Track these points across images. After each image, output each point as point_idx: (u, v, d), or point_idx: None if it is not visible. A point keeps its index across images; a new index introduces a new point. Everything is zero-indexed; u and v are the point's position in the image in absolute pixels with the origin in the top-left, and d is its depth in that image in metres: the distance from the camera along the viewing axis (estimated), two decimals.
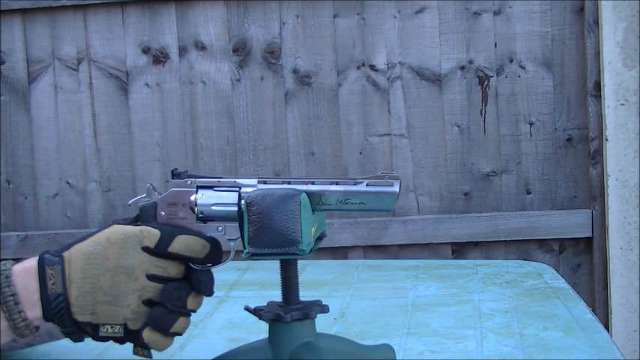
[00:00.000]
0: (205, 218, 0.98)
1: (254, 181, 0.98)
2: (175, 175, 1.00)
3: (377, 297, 1.45)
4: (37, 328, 0.95)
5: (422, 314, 1.33)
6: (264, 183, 0.97)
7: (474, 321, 1.28)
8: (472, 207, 2.71)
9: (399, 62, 2.71)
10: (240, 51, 2.75)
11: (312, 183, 0.96)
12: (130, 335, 0.96)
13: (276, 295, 1.01)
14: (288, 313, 0.98)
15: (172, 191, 0.99)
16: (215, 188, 0.98)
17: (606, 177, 2.60)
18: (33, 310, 0.94)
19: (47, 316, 0.94)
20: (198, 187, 0.99)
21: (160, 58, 2.78)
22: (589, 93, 2.63)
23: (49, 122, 2.83)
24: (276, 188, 0.96)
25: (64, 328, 0.95)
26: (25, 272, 0.95)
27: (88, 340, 0.97)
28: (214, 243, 0.97)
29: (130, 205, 1.04)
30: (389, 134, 2.73)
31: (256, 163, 2.77)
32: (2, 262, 0.95)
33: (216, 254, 0.97)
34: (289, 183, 0.97)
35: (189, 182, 0.99)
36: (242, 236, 0.95)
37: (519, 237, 2.68)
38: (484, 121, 2.70)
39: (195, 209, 0.98)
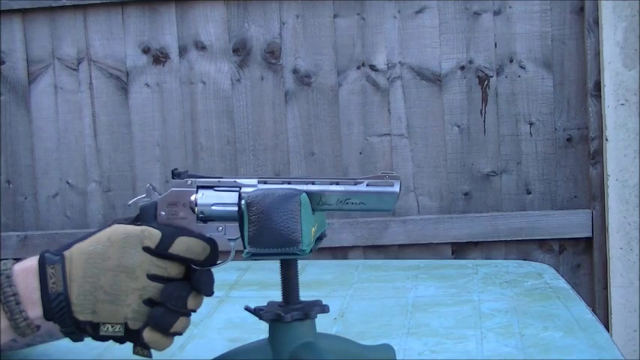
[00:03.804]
0: (205, 218, 0.98)
1: (254, 181, 0.98)
2: (175, 175, 1.00)
3: (377, 297, 1.45)
4: (38, 327, 0.95)
5: (422, 314, 1.33)
6: (265, 183, 0.97)
7: (474, 321, 1.28)
8: (472, 207, 2.71)
9: (399, 62, 2.71)
10: (240, 51, 2.75)
11: (313, 183, 0.96)
12: (130, 335, 0.96)
13: (276, 295, 1.01)
14: (288, 313, 0.98)
15: (172, 191, 0.99)
16: (215, 188, 0.98)
17: (606, 177, 2.60)
18: (34, 310, 0.94)
19: (48, 315, 0.94)
20: (199, 187, 0.99)
21: (159, 58, 2.78)
22: (589, 93, 2.63)
23: (49, 122, 2.83)
24: (277, 188, 0.96)
25: (64, 328, 0.95)
26: (25, 272, 0.94)
27: (88, 340, 0.97)
28: (214, 244, 0.97)
29: (130, 205, 1.04)
30: (389, 134, 2.73)
31: (256, 163, 2.77)
32: (2, 262, 0.95)
33: (215, 255, 0.97)
34: (289, 183, 0.97)
35: (189, 182, 0.99)
36: (242, 236, 0.95)
37: (519, 237, 2.68)
38: (484, 121, 2.70)
39: (196, 209, 0.98)
